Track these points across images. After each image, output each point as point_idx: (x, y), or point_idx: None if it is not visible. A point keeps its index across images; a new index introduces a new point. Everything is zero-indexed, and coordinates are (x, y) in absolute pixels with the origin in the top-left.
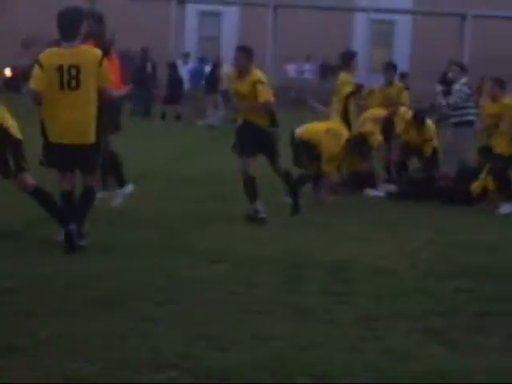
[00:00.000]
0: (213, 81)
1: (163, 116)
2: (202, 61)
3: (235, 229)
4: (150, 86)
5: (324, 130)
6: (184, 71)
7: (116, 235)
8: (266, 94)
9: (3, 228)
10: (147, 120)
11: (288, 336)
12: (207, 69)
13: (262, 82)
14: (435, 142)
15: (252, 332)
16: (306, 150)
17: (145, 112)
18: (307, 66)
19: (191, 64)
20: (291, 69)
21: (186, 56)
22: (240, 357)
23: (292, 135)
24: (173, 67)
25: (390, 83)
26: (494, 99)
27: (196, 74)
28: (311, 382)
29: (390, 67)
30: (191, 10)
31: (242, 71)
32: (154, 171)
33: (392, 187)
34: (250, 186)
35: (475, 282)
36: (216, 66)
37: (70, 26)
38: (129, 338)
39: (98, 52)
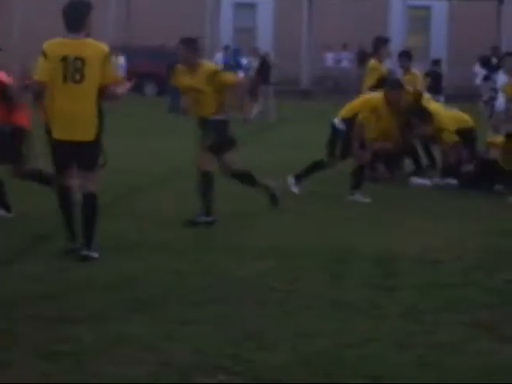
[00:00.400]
0: (265, 72)
1: None
2: (237, 53)
3: (275, 223)
4: None
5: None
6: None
7: (151, 234)
8: (232, 76)
9: (33, 231)
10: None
11: (335, 332)
12: (244, 61)
13: (220, 70)
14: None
15: (298, 329)
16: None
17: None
18: (344, 55)
19: (226, 56)
20: (329, 58)
21: (226, 48)
22: (288, 356)
23: (333, 126)
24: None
25: (406, 71)
26: None
27: (232, 66)
28: (367, 383)
29: (403, 55)
30: (226, 1)
31: (191, 65)
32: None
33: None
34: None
35: None
36: (266, 57)
37: (75, 17)
38: (173, 340)
39: (105, 47)
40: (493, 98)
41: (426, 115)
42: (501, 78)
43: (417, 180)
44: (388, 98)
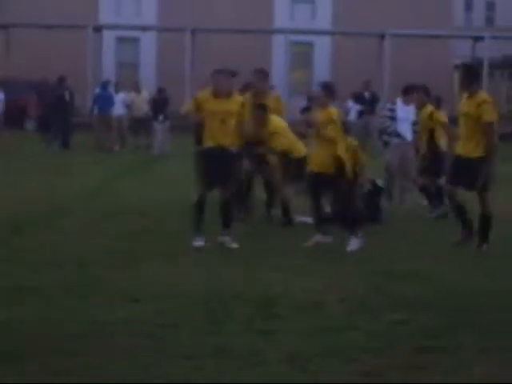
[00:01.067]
0: (161, 106)
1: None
2: (105, 86)
3: (156, 266)
4: (68, 115)
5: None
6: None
7: (27, 276)
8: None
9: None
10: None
11: (213, 382)
12: (122, 95)
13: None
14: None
15: (172, 380)
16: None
17: (63, 143)
18: None
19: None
20: None
21: (105, 83)
22: None
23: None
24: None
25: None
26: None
27: (103, 100)
28: None
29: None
30: (108, 36)
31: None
32: (73, 206)
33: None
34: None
35: (410, 314)
36: (161, 90)
37: None
38: None
39: None
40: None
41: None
42: (404, 107)
43: (299, 218)
44: None
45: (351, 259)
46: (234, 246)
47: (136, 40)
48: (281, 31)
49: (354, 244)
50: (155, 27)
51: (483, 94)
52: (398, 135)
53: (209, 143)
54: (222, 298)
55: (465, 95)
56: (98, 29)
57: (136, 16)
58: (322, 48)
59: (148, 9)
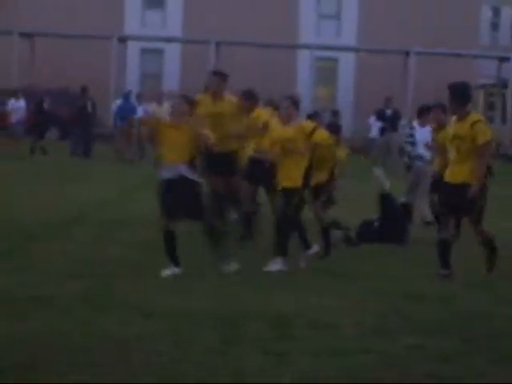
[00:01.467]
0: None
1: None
2: (127, 97)
3: (167, 283)
4: (90, 126)
5: None
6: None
7: (41, 286)
8: None
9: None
10: (88, 160)
11: None
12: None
13: None
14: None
15: None
16: None
17: (85, 152)
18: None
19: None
20: None
21: (127, 94)
22: None
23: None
24: None
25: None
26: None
27: (125, 111)
28: None
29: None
30: (133, 47)
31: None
32: (88, 214)
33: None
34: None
35: (425, 338)
36: (335, 113)
37: None
38: None
39: None
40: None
41: None
42: (421, 130)
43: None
44: None
45: (367, 278)
46: (233, 267)
47: (160, 51)
48: (306, 47)
49: (275, 265)
50: (180, 39)
51: (476, 115)
52: (421, 158)
53: None
54: (236, 316)
55: (454, 118)
56: (123, 39)
57: (161, 27)
58: (347, 64)
59: (173, 20)
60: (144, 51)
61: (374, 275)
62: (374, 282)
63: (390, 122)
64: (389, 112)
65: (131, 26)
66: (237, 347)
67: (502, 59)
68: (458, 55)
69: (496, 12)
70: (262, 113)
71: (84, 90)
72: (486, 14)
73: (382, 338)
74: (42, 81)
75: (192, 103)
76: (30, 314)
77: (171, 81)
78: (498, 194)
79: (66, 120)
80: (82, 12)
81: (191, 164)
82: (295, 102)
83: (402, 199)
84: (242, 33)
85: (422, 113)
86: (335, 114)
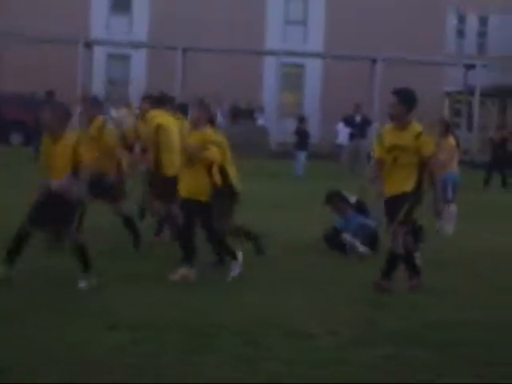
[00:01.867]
0: (305, 136)
1: None
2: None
3: (134, 293)
4: None
5: None
6: None
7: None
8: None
9: None
10: None
11: None
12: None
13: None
14: None
15: None
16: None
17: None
18: (217, 110)
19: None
20: None
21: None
22: None
23: None
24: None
25: None
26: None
27: None
28: None
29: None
30: (99, 52)
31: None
32: None
33: None
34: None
35: (399, 348)
36: (302, 119)
37: None
38: None
39: None
40: None
41: None
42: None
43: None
44: None
45: (337, 285)
46: (83, 285)
47: (127, 57)
48: (272, 53)
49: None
50: (146, 44)
51: (417, 126)
52: None
53: None
54: (203, 327)
55: (393, 126)
56: (89, 44)
57: (127, 33)
58: (314, 70)
59: (139, 26)
60: (110, 57)
61: (345, 282)
62: (344, 289)
63: (359, 129)
64: (358, 118)
65: (97, 31)
66: (206, 356)
67: (468, 67)
68: (425, 62)
69: (461, 19)
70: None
71: (49, 94)
72: (452, 21)
73: (357, 347)
74: (7, 85)
75: (208, 108)
76: None
77: (138, 86)
78: (465, 200)
79: (30, 125)
80: (48, 16)
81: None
82: (204, 107)
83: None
84: (208, 39)
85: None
86: (301, 120)
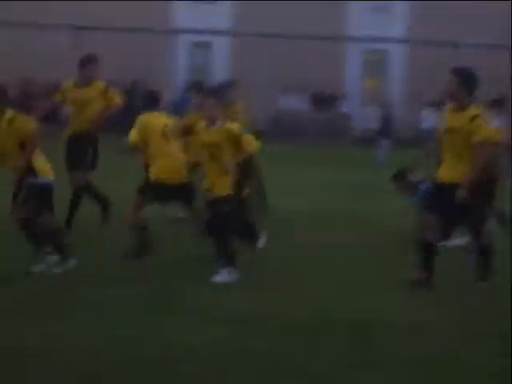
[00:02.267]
0: (389, 123)
1: None
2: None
3: (234, 287)
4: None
5: None
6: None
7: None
8: None
9: None
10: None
11: None
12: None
13: None
14: None
15: None
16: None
17: None
18: (299, 96)
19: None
20: (283, 99)
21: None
22: None
23: None
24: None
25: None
26: None
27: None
28: None
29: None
30: (182, 40)
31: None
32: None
33: None
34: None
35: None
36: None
37: None
38: None
39: None
40: None
41: None
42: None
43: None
44: None
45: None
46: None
47: (208, 45)
48: (354, 39)
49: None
50: (229, 32)
51: (476, 108)
52: None
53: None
54: (307, 322)
55: (451, 107)
56: (172, 32)
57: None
58: (396, 56)
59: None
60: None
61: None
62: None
63: None
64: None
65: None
66: (310, 355)
67: None
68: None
69: None
70: None
71: (134, 84)
72: None
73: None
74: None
75: (216, 95)
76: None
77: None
78: None
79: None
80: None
81: None
82: (216, 95)
83: None
84: (288, 25)
85: (494, 105)
86: (384, 107)
